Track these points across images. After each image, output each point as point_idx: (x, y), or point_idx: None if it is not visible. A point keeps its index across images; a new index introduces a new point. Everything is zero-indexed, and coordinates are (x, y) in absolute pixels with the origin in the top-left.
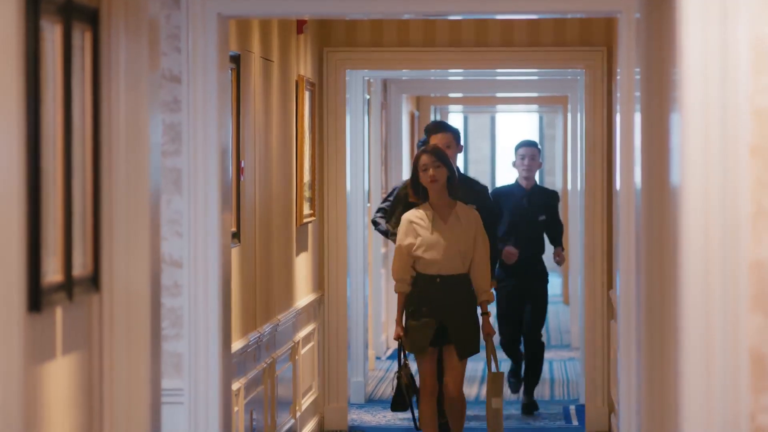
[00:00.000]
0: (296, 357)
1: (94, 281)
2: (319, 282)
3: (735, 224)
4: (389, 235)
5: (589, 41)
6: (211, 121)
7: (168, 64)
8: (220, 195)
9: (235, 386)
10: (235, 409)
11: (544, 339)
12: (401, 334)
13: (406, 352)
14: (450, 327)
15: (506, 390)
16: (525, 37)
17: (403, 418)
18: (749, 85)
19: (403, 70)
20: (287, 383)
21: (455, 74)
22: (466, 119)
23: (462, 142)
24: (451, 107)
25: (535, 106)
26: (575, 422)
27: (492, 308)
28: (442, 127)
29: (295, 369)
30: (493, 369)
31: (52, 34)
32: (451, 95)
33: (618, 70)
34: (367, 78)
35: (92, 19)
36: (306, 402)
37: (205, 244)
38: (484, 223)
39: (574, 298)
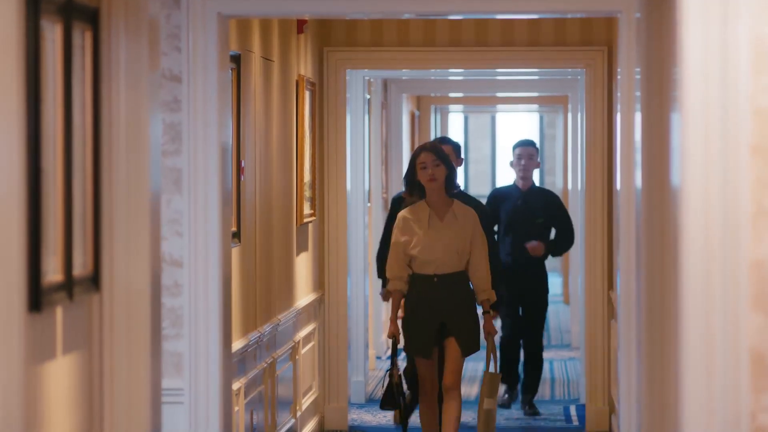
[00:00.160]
0: (296, 357)
1: (94, 281)
2: (320, 281)
3: (735, 224)
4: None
5: (589, 41)
6: (211, 120)
7: (168, 63)
8: (221, 195)
9: (235, 386)
10: (236, 408)
11: (544, 342)
12: (395, 332)
13: (408, 354)
14: (449, 324)
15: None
16: (525, 37)
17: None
18: (749, 84)
19: (404, 70)
20: (287, 383)
21: (455, 74)
22: (466, 119)
23: (462, 155)
24: (452, 107)
25: (535, 106)
26: (575, 422)
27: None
28: (441, 139)
29: (295, 369)
30: (491, 369)
31: (52, 34)
32: (452, 95)
33: (618, 69)
34: (367, 78)
35: (92, 19)
36: (306, 402)
37: (206, 244)
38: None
39: (574, 297)
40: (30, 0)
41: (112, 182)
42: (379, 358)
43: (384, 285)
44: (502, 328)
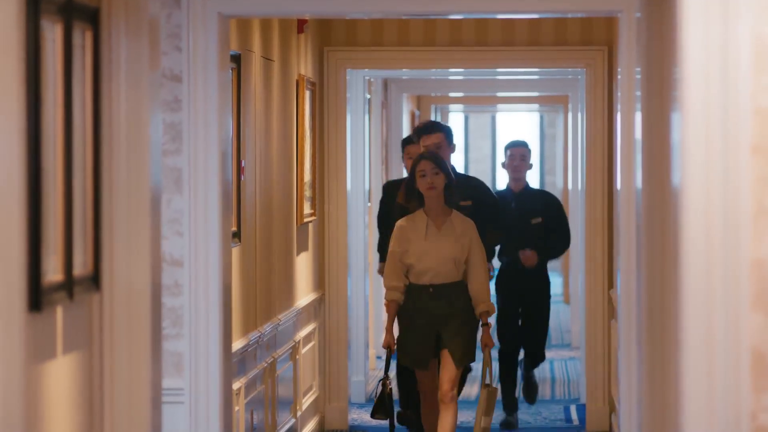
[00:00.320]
0: (297, 356)
1: (94, 280)
2: (320, 281)
3: (736, 223)
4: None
5: (589, 41)
6: (211, 120)
7: (169, 63)
8: (221, 194)
9: (235, 386)
10: (236, 408)
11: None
12: (391, 342)
13: (408, 367)
14: (444, 335)
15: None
16: (525, 37)
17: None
18: (750, 84)
19: (404, 70)
20: (288, 383)
21: (456, 74)
22: (466, 118)
23: (454, 141)
24: (452, 106)
25: (535, 106)
26: (576, 422)
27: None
28: (432, 127)
29: (295, 368)
30: (488, 381)
31: (52, 34)
32: (452, 95)
33: (619, 69)
34: (367, 77)
35: (93, 19)
36: (306, 401)
37: (206, 244)
38: (480, 216)
39: (574, 297)
40: (30, 0)
41: (112, 182)
42: (379, 357)
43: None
44: (500, 341)
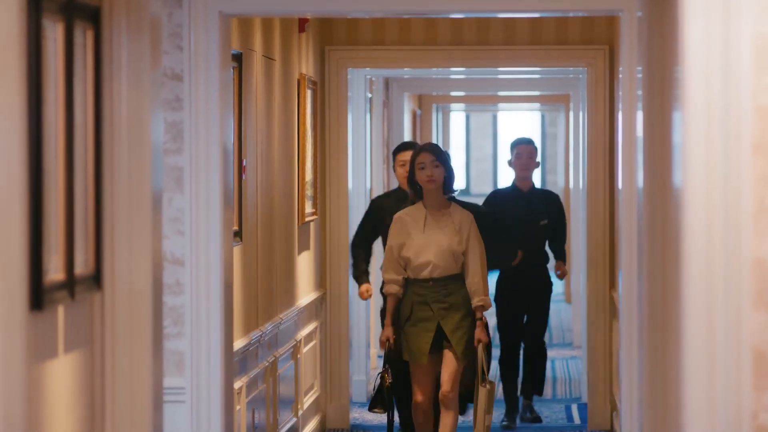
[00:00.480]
0: (298, 355)
1: (95, 279)
2: (321, 280)
3: (737, 222)
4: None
5: (591, 40)
6: (212, 119)
7: (170, 62)
8: (222, 193)
9: (236, 385)
10: (237, 407)
11: (546, 344)
12: (390, 336)
13: (386, 361)
14: (445, 327)
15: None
16: (527, 36)
17: None
18: (751, 83)
19: (405, 69)
20: (289, 382)
21: (457, 72)
22: (467, 117)
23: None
24: (453, 105)
25: (537, 105)
26: (577, 421)
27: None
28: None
29: (296, 367)
30: (484, 379)
31: (53, 33)
32: (453, 93)
33: (620, 68)
34: (369, 76)
35: (94, 18)
36: (308, 400)
37: (207, 243)
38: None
39: (576, 296)
40: None
41: (113, 181)
42: (380, 356)
43: (355, 271)
44: (501, 342)
